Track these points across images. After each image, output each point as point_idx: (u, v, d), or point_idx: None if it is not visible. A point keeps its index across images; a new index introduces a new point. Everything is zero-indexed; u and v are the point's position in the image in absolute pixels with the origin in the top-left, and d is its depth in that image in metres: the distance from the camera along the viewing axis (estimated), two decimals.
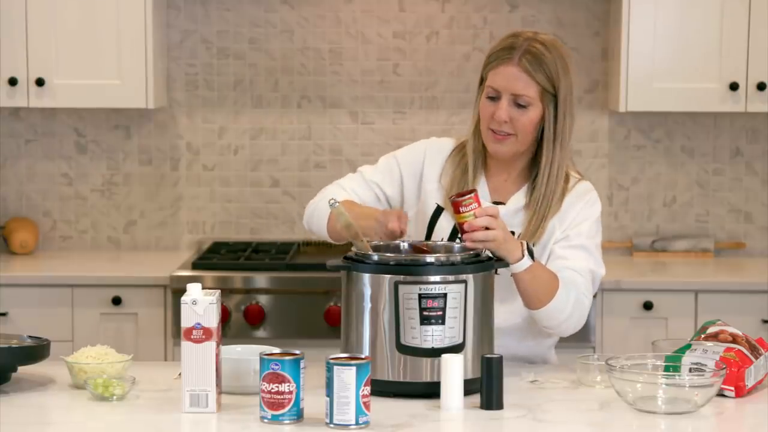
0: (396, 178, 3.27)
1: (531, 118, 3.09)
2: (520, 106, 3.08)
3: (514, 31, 3.16)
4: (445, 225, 3.17)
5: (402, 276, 2.78)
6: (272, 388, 2.59)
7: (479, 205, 2.91)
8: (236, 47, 5.02)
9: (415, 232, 3.22)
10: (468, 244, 2.90)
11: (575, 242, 3.12)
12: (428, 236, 3.18)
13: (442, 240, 3.11)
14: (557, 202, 3.14)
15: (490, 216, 2.90)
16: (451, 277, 2.79)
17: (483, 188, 3.17)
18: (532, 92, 3.08)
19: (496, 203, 3.15)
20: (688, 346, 2.88)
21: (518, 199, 3.17)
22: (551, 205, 3.12)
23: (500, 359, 2.72)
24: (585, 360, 2.97)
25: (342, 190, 3.25)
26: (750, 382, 2.85)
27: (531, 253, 2.97)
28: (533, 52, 3.08)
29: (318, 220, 3.24)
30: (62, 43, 4.67)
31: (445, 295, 2.78)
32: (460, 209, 2.90)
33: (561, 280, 3.04)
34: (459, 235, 2.96)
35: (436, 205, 3.20)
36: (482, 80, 3.16)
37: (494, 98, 3.10)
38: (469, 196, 2.91)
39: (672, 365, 2.80)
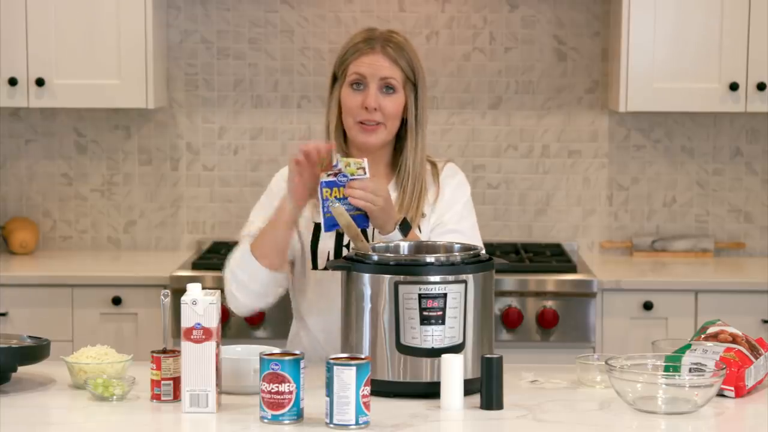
0: None
1: (398, 104, 3.17)
2: (387, 90, 3.15)
3: (367, 28, 3.24)
4: (326, 239, 3.17)
5: (402, 276, 2.78)
6: (272, 388, 2.59)
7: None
8: (236, 47, 5.02)
9: (302, 259, 3.23)
10: (349, 197, 2.96)
11: (449, 227, 3.19)
12: (314, 256, 3.20)
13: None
14: (429, 186, 3.21)
15: (378, 187, 2.97)
16: (451, 277, 2.79)
17: None
18: (398, 76, 3.16)
19: None
20: (688, 346, 2.88)
21: (391, 191, 3.21)
22: (421, 190, 3.19)
23: (500, 359, 2.72)
24: (585, 360, 2.97)
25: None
26: (750, 382, 2.85)
27: (407, 229, 3.03)
28: (393, 41, 3.18)
29: (247, 263, 3.17)
30: (62, 43, 4.66)
31: (445, 295, 2.78)
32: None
33: None
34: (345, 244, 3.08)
35: (313, 224, 3.20)
36: (335, 79, 3.22)
37: (359, 86, 3.16)
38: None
39: (672, 365, 2.80)
